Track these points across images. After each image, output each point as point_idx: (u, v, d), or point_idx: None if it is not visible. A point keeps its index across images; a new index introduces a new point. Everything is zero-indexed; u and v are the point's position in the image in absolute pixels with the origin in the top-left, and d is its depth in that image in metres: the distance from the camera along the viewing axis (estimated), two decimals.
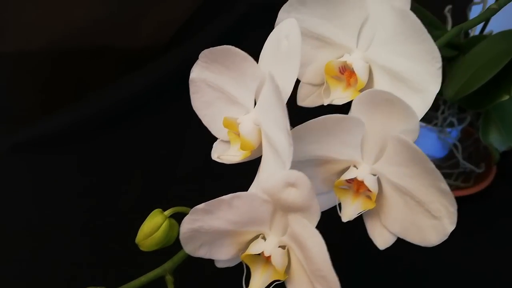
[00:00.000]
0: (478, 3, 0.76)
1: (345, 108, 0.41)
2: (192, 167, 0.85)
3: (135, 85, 0.95)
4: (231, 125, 0.41)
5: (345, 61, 0.43)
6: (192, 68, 0.44)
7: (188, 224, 0.37)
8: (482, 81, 0.62)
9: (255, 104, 0.41)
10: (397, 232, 0.40)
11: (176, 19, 0.95)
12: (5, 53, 0.90)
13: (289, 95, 0.38)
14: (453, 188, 0.78)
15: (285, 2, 0.44)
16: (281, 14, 0.44)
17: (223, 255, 0.39)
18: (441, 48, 0.66)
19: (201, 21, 0.94)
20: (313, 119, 0.38)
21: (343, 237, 0.59)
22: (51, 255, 0.72)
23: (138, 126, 0.93)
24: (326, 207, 0.43)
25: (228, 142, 0.43)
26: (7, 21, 0.87)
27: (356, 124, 0.39)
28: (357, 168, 0.40)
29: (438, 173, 0.36)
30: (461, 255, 0.72)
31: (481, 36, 0.74)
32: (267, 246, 0.37)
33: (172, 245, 0.40)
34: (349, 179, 0.40)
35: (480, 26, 0.75)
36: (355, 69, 0.42)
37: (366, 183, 0.39)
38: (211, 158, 0.43)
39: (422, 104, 0.39)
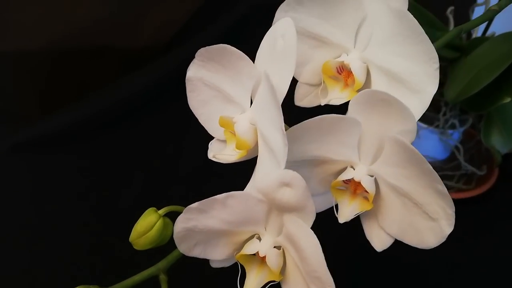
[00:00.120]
0: (480, 5, 0.75)
1: (343, 109, 0.40)
2: (192, 167, 0.85)
3: (136, 85, 0.95)
4: (227, 124, 0.40)
5: (343, 61, 0.42)
6: (189, 67, 0.44)
7: (182, 223, 0.36)
8: (483, 83, 0.62)
9: (251, 103, 0.40)
10: (395, 233, 0.40)
11: (176, 19, 0.95)
12: (6, 52, 0.90)
13: (285, 95, 0.37)
14: (454, 190, 0.78)
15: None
16: (278, 13, 0.44)
17: (218, 255, 0.39)
18: (441, 50, 0.66)
19: (202, 21, 0.94)
20: (309, 119, 0.38)
21: (340, 238, 0.58)
22: (50, 255, 0.72)
23: (139, 126, 0.93)
24: (323, 208, 0.43)
25: (224, 141, 0.43)
26: (8, 21, 0.87)
27: (353, 124, 0.38)
28: (354, 169, 0.40)
29: (435, 174, 0.36)
30: (463, 257, 0.72)
31: (483, 38, 0.73)
32: (262, 246, 0.36)
33: (167, 244, 0.40)
34: (346, 180, 0.40)
35: (482, 28, 0.74)
36: (352, 70, 0.42)
37: (363, 184, 0.39)
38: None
39: (419, 104, 0.39)
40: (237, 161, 0.41)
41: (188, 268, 0.43)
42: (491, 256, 0.73)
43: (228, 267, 0.40)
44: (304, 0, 0.43)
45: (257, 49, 0.41)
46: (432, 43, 0.42)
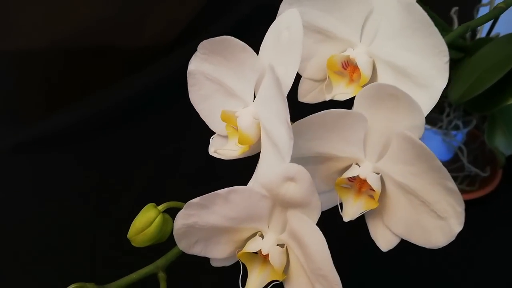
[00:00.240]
0: (485, 5, 0.75)
1: (347, 105, 0.39)
2: (194, 167, 0.85)
3: (138, 85, 0.95)
4: (229, 118, 0.39)
5: (348, 56, 0.41)
6: (191, 60, 0.43)
7: (182, 219, 0.35)
8: (487, 84, 0.62)
9: (254, 97, 0.39)
10: (401, 233, 0.39)
11: (179, 19, 0.95)
12: (9, 52, 0.91)
13: (289, 89, 0.36)
14: None
15: None
16: (283, 6, 0.43)
17: (219, 253, 0.38)
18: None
19: (205, 21, 0.94)
20: (313, 114, 0.37)
21: (344, 238, 0.57)
22: (50, 253, 0.72)
23: (141, 125, 0.93)
24: (327, 206, 0.42)
25: (226, 137, 0.42)
26: (11, 20, 0.88)
27: (359, 120, 0.37)
28: (359, 166, 0.39)
29: (445, 171, 0.35)
30: (466, 259, 0.71)
31: (487, 39, 0.72)
32: (265, 244, 0.35)
33: (166, 242, 0.39)
34: (351, 178, 0.39)
35: (486, 28, 0.74)
36: (358, 64, 0.41)
37: (368, 181, 0.38)
38: (213, 158, 0.42)
39: (428, 99, 0.38)
40: (239, 157, 0.40)
41: (187, 267, 0.42)
42: (495, 257, 0.72)
43: (229, 266, 0.39)
44: None
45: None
46: None
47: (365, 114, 0.37)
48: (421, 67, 0.38)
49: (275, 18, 0.42)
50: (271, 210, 0.35)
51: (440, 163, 0.34)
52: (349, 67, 0.42)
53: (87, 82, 0.95)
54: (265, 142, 0.37)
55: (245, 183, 0.38)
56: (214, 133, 0.44)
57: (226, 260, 0.39)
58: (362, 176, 0.38)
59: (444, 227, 0.36)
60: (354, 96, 0.38)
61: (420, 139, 0.36)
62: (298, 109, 0.43)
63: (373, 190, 0.38)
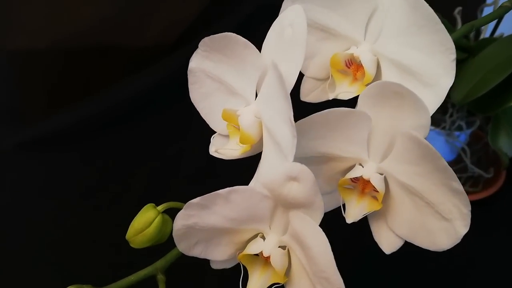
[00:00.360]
0: (489, 5, 0.74)
1: (350, 104, 0.39)
2: (195, 167, 0.84)
3: (141, 84, 0.94)
4: (230, 117, 0.38)
5: (352, 54, 0.41)
6: (191, 58, 0.42)
7: (182, 220, 0.34)
8: (491, 84, 0.61)
9: (256, 96, 0.39)
10: (405, 235, 0.38)
11: (183, 19, 0.94)
12: (12, 51, 0.90)
13: (292, 87, 0.35)
14: None
15: None
16: (286, 3, 0.42)
17: (219, 255, 0.37)
18: None
19: (207, 21, 0.94)
20: (316, 113, 0.36)
21: (347, 240, 0.57)
22: (51, 253, 0.72)
23: (143, 125, 0.93)
24: (330, 207, 0.41)
25: (227, 136, 0.41)
26: (14, 20, 0.88)
27: (363, 119, 0.37)
28: (363, 167, 0.38)
29: (451, 171, 0.34)
30: (469, 260, 0.71)
31: (491, 39, 0.72)
32: (266, 245, 0.34)
33: (166, 243, 0.38)
34: (354, 178, 0.38)
35: (490, 28, 0.73)
36: (362, 62, 0.40)
37: (372, 182, 0.37)
38: (214, 157, 0.41)
39: (434, 98, 0.37)
40: (240, 156, 0.39)
41: (187, 269, 0.41)
42: (498, 259, 0.72)
43: (230, 268, 0.38)
44: None
45: None
46: None
47: (369, 113, 0.37)
48: (427, 65, 0.37)
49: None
50: (273, 210, 0.34)
51: (446, 163, 0.34)
52: (352, 66, 0.41)
53: (88, 82, 0.95)
54: (267, 141, 0.36)
55: (247, 182, 0.38)
56: (215, 132, 0.43)
57: (226, 262, 0.38)
58: (365, 177, 0.37)
59: (449, 229, 0.35)
60: (358, 95, 0.38)
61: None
62: (300, 108, 0.43)
63: (377, 191, 0.37)
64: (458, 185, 0.34)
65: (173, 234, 0.35)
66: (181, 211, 0.34)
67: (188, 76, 0.43)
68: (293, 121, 0.32)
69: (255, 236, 0.36)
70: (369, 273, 0.68)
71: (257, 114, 0.37)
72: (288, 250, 0.35)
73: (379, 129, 0.37)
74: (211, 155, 0.42)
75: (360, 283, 0.65)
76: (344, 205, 0.39)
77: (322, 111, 0.36)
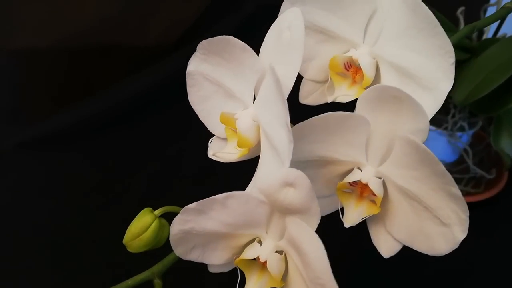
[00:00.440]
0: (493, 5, 0.73)
1: (349, 107, 0.38)
2: (196, 167, 0.84)
3: (142, 84, 0.94)
4: (228, 121, 0.38)
5: (351, 57, 0.40)
6: (190, 60, 0.42)
7: (178, 225, 0.34)
8: (493, 85, 0.61)
9: (254, 99, 0.38)
10: (403, 239, 0.38)
11: (184, 19, 0.94)
12: (14, 51, 0.90)
13: (290, 90, 0.35)
14: (463, 193, 0.75)
15: None
16: (285, 5, 0.42)
17: (216, 259, 0.37)
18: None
19: (208, 21, 0.94)
20: (315, 116, 0.36)
21: (345, 244, 0.57)
22: (52, 252, 0.72)
23: (145, 125, 0.93)
24: (329, 211, 0.41)
25: (225, 139, 0.41)
26: (16, 19, 0.88)
27: (361, 123, 0.36)
28: (361, 170, 0.38)
29: (449, 176, 0.34)
30: (471, 262, 0.70)
31: (494, 39, 0.71)
32: (263, 251, 0.34)
33: (163, 247, 0.38)
34: (352, 182, 0.38)
35: (493, 29, 0.72)
36: (361, 65, 0.40)
37: (370, 186, 0.37)
38: None
39: (433, 102, 0.37)
40: (238, 160, 0.39)
41: (184, 273, 0.41)
42: (500, 260, 0.71)
43: (227, 272, 0.38)
44: None
45: None
46: None
47: (368, 117, 0.36)
48: (426, 69, 0.37)
49: None
50: (270, 216, 0.34)
51: (444, 168, 0.33)
52: (351, 68, 0.41)
53: (89, 82, 0.95)
54: (265, 145, 0.36)
55: (247, 183, 0.37)
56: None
57: (224, 266, 0.38)
58: (363, 181, 0.37)
59: (447, 234, 0.35)
60: (356, 98, 0.38)
61: (424, 142, 0.35)
62: (299, 111, 0.42)
63: (375, 195, 0.37)
64: (456, 190, 0.34)
65: (170, 239, 0.35)
66: (178, 216, 0.34)
67: (187, 79, 0.43)
68: (290, 126, 0.32)
69: (252, 240, 0.35)
70: (367, 277, 0.67)
71: (255, 118, 0.37)
72: (285, 255, 0.35)
73: (378, 133, 0.37)
74: None
75: (359, 286, 0.65)
76: (342, 209, 0.39)
77: (320, 115, 0.36)
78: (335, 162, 0.39)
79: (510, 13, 0.50)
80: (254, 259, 0.35)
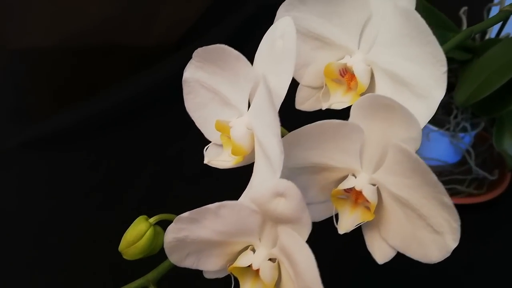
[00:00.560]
0: (496, 4, 0.73)
1: (346, 112, 0.38)
2: (198, 167, 0.83)
3: (143, 84, 0.94)
4: (223, 128, 0.39)
5: (346, 64, 0.40)
6: (186, 68, 0.42)
7: (172, 233, 0.35)
8: (494, 86, 0.60)
9: (249, 107, 0.39)
10: (397, 246, 0.38)
11: (186, 19, 0.94)
12: (17, 50, 0.91)
13: (283, 99, 0.35)
14: (465, 195, 0.76)
15: None
16: (280, 12, 0.42)
17: (211, 266, 0.37)
18: (453, 51, 0.64)
19: (211, 21, 0.93)
20: (310, 124, 0.36)
21: (340, 250, 0.57)
22: (52, 252, 0.72)
23: (147, 124, 0.93)
24: (324, 216, 0.41)
25: (221, 145, 0.41)
26: (18, 19, 0.88)
27: (355, 131, 0.36)
28: (355, 177, 0.38)
29: (440, 185, 0.34)
30: (473, 264, 0.70)
31: (496, 39, 0.71)
32: (256, 259, 0.34)
33: (158, 254, 0.38)
34: (347, 189, 0.38)
35: (496, 28, 0.72)
36: (355, 73, 0.40)
37: (364, 193, 0.37)
38: None
39: (425, 110, 0.37)
40: (233, 167, 0.39)
41: (179, 279, 0.42)
42: (503, 262, 0.71)
43: (223, 278, 0.38)
44: None
45: None
46: (441, 45, 0.40)
47: (361, 125, 0.36)
48: (419, 76, 0.37)
49: None
50: (262, 224, 0.34)
51: (436, 178, 0.33)
52: (346, 75, 0.41)
53: (92, 81, 0.95)
54: (259, 154, 0.36)
55: (246, 183, 0.38)
56: None
57: (219, 272, 0.38)
58: (357, 188, 0.37)
59: (440, 242, 0.35)
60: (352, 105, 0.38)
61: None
62: (295, 117, 0.43)
63: (369, 202, 0.37)
64: (448, 199, 0.34)
65: (165, 246, 0.36)
66: (172, 224, 0.35)
67: (183, 86, 0.43)
68: (280, 137, 0.32)
69: (246, 248, 0.36)
70: (362, 283, 0.67)
71: (249, 126, 0.37)
72: (278, 263, 0.35)
73: (372, 141, 0.37)
74: None
75: None
76: (337, 215, 0.39)
77: (315, 122, 0.36)
78: (330, 168, 0.39)
79: (508, 16, 0.50)
80: (248, 266, 0.35)
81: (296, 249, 0.32)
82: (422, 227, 0.36)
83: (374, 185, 0.38)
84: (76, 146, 0.89)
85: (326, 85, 0.42)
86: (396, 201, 0.37)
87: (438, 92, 0.36)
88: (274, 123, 0.33)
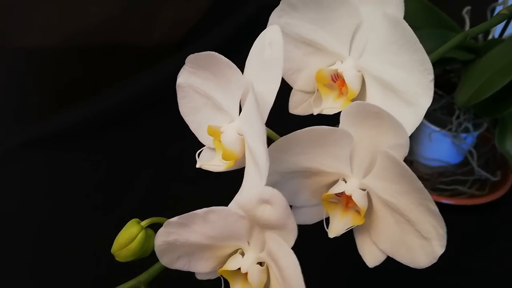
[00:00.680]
0: (500, 4, 0.72)
1: (337, 116, 0.39)
2: (196, 167, 0.83)
3: (144, 84, 0.95)
4: (215, 133, 0.39)
5: (336, 69, 0.41)
6: (179, 73, 0.43)
7: (162, 236, 0.36)
8: (496, 87, 0.60)
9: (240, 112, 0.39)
10: (387, 250, 0.39)
11: (187, 19, 0.94)
12: (18, 50, 0.91)
13: (271, 106, 0.36)
14: (467, 196, 0.76)
15: None
16: (272, 18, 0.42)
17: (202, 268, 0.38)
18: (454, 51, 0.63)
19: (212, 21, 0.93)
20: (300, 130, 0.37)
21: (331, 254, 0.57)
22: (52, 252, 0.73)
23: (146, 125, 0.93)
24: (317, 219, 0.42)
25: (215, 149, 0.41)
26: (20, 19, 0.88)
27: (344, 137, 0.37)
28: (345, 182, 0.38)
29: (426, 193, 0.34)
30: (475, 265, 0.70)
31: (499, 40, 0.70)
32: (244, 262, 0.35)
33: (151, 256, 0.39)
34: (338, 193, 0.39)
35: (499, 28, 0.71)
36: (345, 79, 0.40)
37: (354, 198, 0.37)
38: None
39: (413, 117, 0.37)
40: (225, 171, 0.40)
41: (170, 281, 0.42)
42: (504, 262, 0.71)
43: (214, 279, 0.39)
44: (298, 5, 0.41)
45: None
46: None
47: (351, 131, 0.37)
48: (407, 84, 0.37)
49: None
50: (250, 229, 0.35)
51: (422, 185, 0.34)
52: (338, 80, 0.42)
53: (94, 81, 0.95)
54: (249, 159, 0.37)
55: None
56: None
57: (210, 273, 0.39)
58: (347, 193, 0.38)
59: (427, 248, 0.36)
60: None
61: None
62: (288, 121, 0.43)
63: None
64: (434, 206, 0.34)
65: (155, 249, 0.36)
66: (161, 228, 0.35)
67: (177, 91, 0.44)
68: (266, 145, 0.33)
69: (236, 251, 0.37)
70: (353, 286, 0.67)
71: (240, 131, 0.38)
72: (267, 266, 0.36)
73: (361, 146, 0.38)
74: None
75: None
76: (328, 219, 0.40)
77: (305, 128, 0.37)
78: (321, 173, 0.39)
79: (505, 19, 0.50)
80: (237, 269, 0.36)
81: (282, 255, 0.33)
82: (411, 232, 0.36)
83: (364, 190, 0.38)
84: (76, 146, 0.89)
85: (318, 90, 0.42)
86: (386, 206, 0.37)
87: (424, 100, 0.36)
88: (260, 131, 0.33)
